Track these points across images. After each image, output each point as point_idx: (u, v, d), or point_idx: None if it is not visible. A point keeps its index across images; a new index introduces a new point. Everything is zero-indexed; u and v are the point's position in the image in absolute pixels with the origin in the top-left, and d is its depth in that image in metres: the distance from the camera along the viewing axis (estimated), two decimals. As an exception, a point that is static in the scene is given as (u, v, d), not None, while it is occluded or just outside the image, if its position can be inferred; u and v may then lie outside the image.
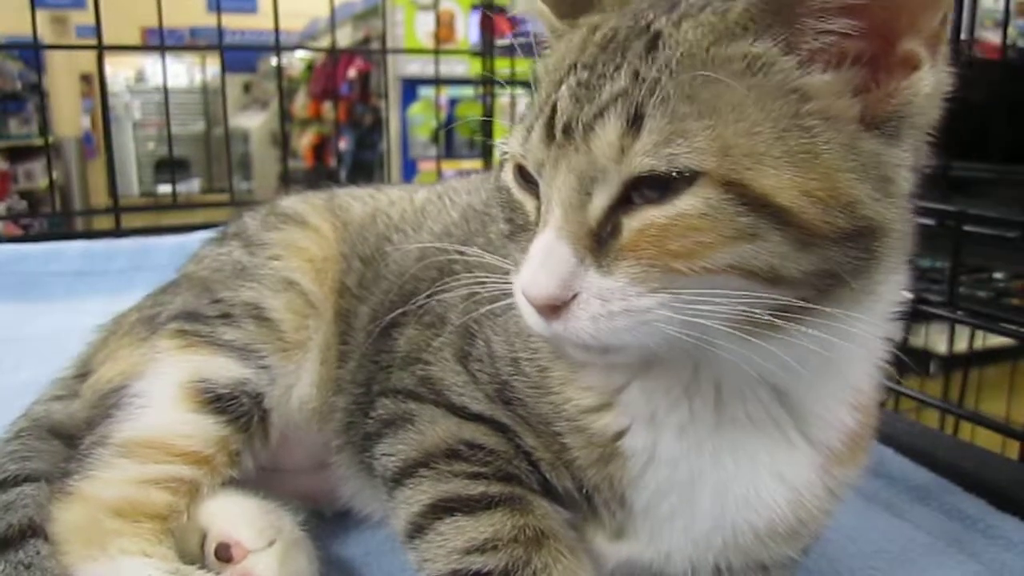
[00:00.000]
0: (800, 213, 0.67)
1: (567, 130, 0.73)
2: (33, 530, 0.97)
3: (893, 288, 0.82)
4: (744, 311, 0.70)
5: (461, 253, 1.08)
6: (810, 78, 0.71)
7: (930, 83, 0.73)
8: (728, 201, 0.67)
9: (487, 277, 0.87)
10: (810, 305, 0.71)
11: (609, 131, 0.69)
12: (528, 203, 0.82)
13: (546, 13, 0.88)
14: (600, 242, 0.72)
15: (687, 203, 0.68)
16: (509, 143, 0.83)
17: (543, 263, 0.72)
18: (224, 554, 1.00)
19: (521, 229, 0.82)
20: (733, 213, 0.67)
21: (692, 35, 0.72)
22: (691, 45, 0.71)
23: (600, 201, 0.72)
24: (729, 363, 0.76)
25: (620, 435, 0.88)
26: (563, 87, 0.75)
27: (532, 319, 0.75)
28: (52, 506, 0.99)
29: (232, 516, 1.03)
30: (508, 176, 0.85)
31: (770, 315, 0.71)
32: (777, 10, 0.71)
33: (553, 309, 0.72)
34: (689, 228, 0.68)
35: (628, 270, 0.70)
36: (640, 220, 0.70)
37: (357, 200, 1.37)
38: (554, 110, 0.75)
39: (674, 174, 0.68)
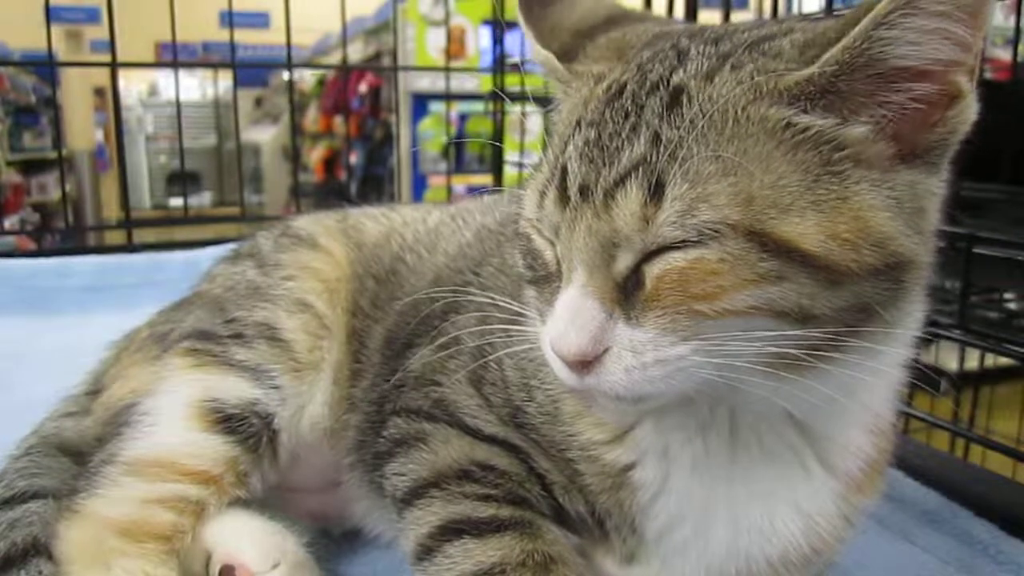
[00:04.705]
0: (827, 256, 0.66)
1: (583, 192, 0.72)
2: (36, 549, 0.97)
3: (916, 316, 0.82)
4: (777, 350, 0.69)
5: (476, 274, 1.09)
6: (849, 129, 0.69)
7: (974, 109, 0.72)
8: (749, 248, 0.66)
9: (500, 301, 0.88)
10: (842, 341, 0.70)
11: (631, 202, 0.68)
12: (547, 251, 0.81)
13: (551, 60, 0.88)
14: (626, 293, 0.71)
15: (706, 249, 0.67)
16: (523, 208, 0.82)
17: (572, 319, 0.71)
18: (228, 576, 1.00)
19: (543, 280, 0.81)
20: (755, 259, 0.66)
21: (727, 91, 0.70)
22: (724, 102, 0.69)
23: (625, 262, 0.71)
24: (750, 398, 0.76)
25: (630, 467, 0.88)
26: (570, 147, 0.74)
27: (563, 373, 0.75)
28: (58, 524, 0.98)
29: (236, 538, 1.02)
30: (527, 226, 0.84)
31: (803, 353, 0.70)
32: (841, 88, 0.69)
33: (584, 364, 0.72)
34: (708, 272, 0.67)
35: (658, 320, 0.69)
36: (660, 266, 0.69)
37: (371, 220, 1.37)
38: (565, 172, 0.74)
39: (695, 236, 0.67)
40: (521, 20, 0.92)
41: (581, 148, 0.74)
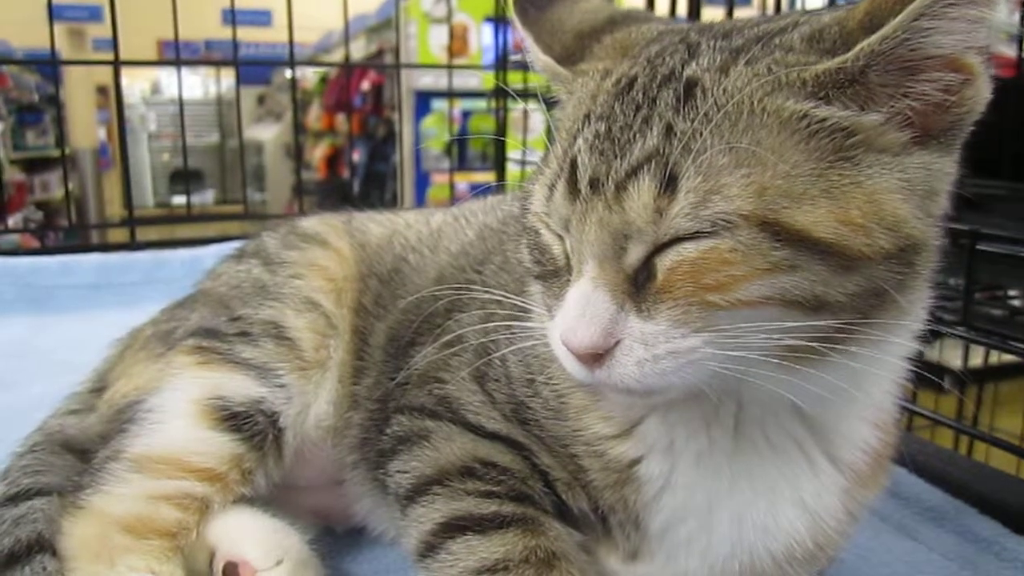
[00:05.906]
0: (840, 242, 0.66)
1: (594, 185, 0.71)
2: (41, 545, 0.97)
3: (922, 306, 0.82)
4: (790, 342, 0.69)
5: (479, 272, 1.08)
6: (865, 117, 0.69)
7: (988, 90, 0.71)
8: (761, 238, 0.66)
9: (503, 296, 0.88)
10: (855, 330, 0.70)
11: (644, 193, 0.68)
12: (555, 246, 0.81)
13: (551, 64, 0.88)
14: (637, 286, 0.71)
15: (718, 240, 0.67)
16: (531, 203, 0.82)
17: (583, 312, 0.71)
18: (232, 573, 1.00)
19: (551, 274, 0.81)
20: (767, 248, 0.66)
21: (742, 84, 0.70)
22: (740, 94, 0.69)
23: (636, 254, 0.71)
24: (759, 390, 0.75)
25: (636, 462, 0.88)
26: (579, 140, 0.74)
27: (573, 367, 0.74)
28: (63, 520, 0.99)
29: (240, 535, 1.03)
30: (535, 220, 0.83)
31: (815, 343, 0.70)
32: (871, 79, 0.68)
33: (595, 357, 0.71)
34: (721, 262, 0.67)
35: (669, 312, 0.69)
36: (672, 258, 0.69)
37: (375, 222, 1.37)
38: (574, 165, 0.74)
39: (708, 228, 0.67)
40: (517, 24, 0.91)
41: (591, 141, 0.73)
